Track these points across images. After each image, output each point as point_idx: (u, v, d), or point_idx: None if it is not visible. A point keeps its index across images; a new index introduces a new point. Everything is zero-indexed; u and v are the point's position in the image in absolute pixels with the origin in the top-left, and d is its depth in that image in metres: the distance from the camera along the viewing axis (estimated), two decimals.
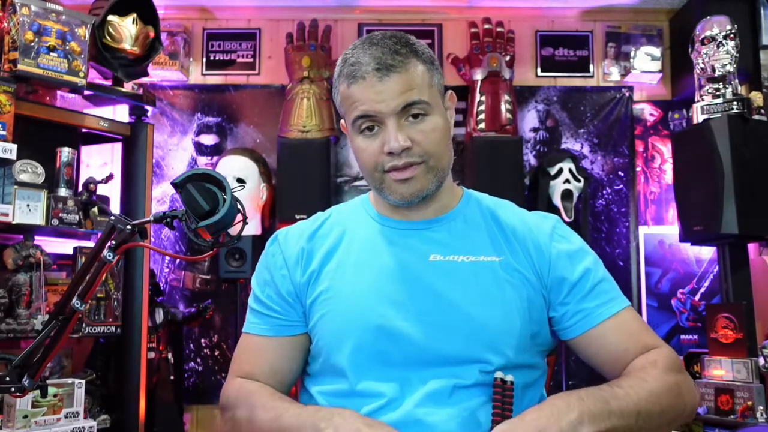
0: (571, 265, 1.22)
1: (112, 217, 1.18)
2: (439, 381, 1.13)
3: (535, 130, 3.87)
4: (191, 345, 3.66)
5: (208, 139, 3.84)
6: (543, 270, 1.21)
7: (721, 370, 2.91)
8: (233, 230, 1.15)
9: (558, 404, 1.01)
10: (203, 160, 3.81)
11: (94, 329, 2.59)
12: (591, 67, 3.93)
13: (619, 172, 3.83)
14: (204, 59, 3.90)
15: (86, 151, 3.08)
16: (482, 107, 3.57)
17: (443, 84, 1.24)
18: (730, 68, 3.12)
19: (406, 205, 1.22)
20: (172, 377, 3.25)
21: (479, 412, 1.12)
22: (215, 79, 3.91)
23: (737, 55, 3.13)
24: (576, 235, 1.30)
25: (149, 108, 2.89)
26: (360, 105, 1.15)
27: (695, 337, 3.69)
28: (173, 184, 1.10)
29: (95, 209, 2.62)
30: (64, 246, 2.71)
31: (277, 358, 1.25)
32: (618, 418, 1.02)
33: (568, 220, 3.42)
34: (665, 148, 3.85)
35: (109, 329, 2.63)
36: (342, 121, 1.25)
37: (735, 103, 3.08)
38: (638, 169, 3.86)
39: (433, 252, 1.21)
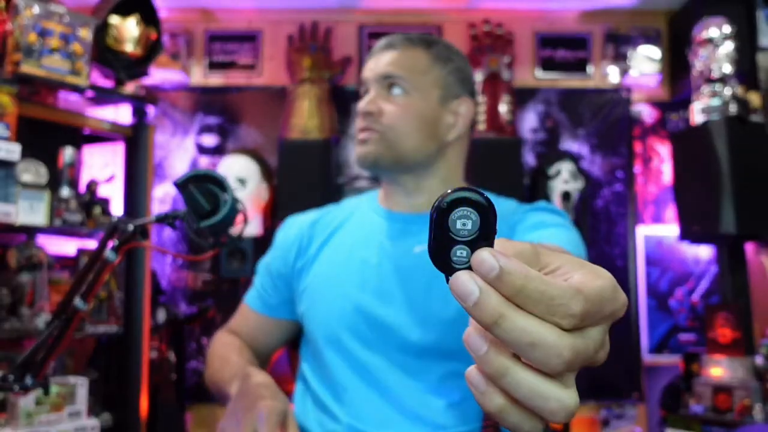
0: (522, 231, 1.18)
1: (114, 218, 1.20)
2: (419, 372, 1.15)
3: (534, 131, 3.88)
4: (193, 344, 3.68)
5: (210, 140, 3.86)
6: None
7: (719, 369, 2.93)
8: (234, 230, 1.17)
9: None
10: (204, 161, 3.82)
11: (97, 329, 2.61)
12: (590, 69, 3.95)
13: (618, 173, 3.85)
14: (205, 60, 3.92)
15: (88, 151, 3.10)
16: (482, 108, 3.58)
17: (454, 87, 1.27)
18: (727, 70, 3.13)
19: (363, 169, 1.27)
20: (173, 377, 3.26)
21: (460, 406, 1.14)
22: (216, 80, 3.93)
23: (735, 56, 3.14)
24: (557, 212, 1.23)
25: (151, 109, 2.91)
26: (362, 74, 1.28)
27: (693, 336, 3.70)
28: (175, 184, 1.11)
29: (97, 209, 2.64)
30: (67, 246, 2.73)
31: (254, 329, 1.38)
32: None
33: None
34: (664, 149, 3.86)
35: (111, 329, 2.65)
36: None
37: (733, 104, 3.10)
38: (637, 169, 3.88)
39: (420, 243, 1.25)
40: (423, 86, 1.23)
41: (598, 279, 0.45)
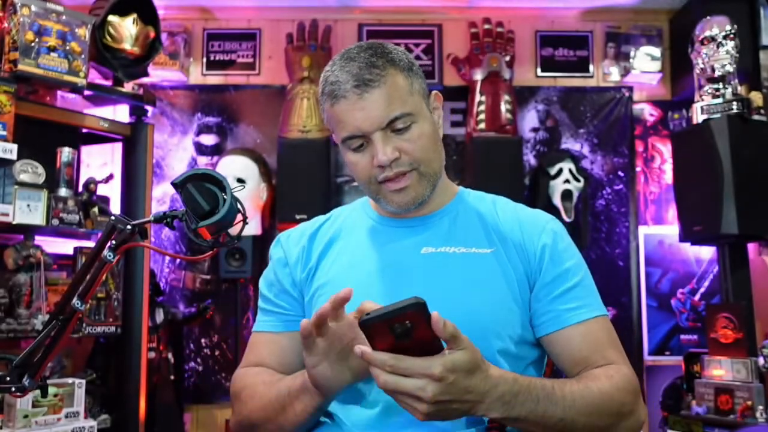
0: (550, 264, 1.22)
1: (113, 217, 1.18)
2: None
3: (534, 130, 3.87)
4: (191, 345, 3.66)
5: (209, 139, 3.84)
6: (531, 263, 1.23)
7: (721, 370, 2.91)
8: (233, 230, 1.16)
9: (505, 385, 1.00)
10: (203, 160, 3.81)
11: (95, 329, 2.59)
12: (591, 68, 3.94)
13: (619, 172, 3.83)
14: (204, 59, 3.91)
15: (86, 151, 3.08)
16: (482, 107, 3.57)
17: (425, 87, 1.24)
18: (729, 68, 3.12)
19: (404, 212, 1.25)
20: (172, 377, 3.25)
21: None
22: (215, 79, 3.91)
23: (737, 55, 3.13)
24: (568, 237, 1.29)
25: (149, 108, 2.90)
26: (346, 125, 1.18)
27: (695, 336, 3.69)
28: (173, 184, 1.10)
29: (95, 209, 2.62)
30: (65, 246, 2.71)
31: (285, 351, 1.28)
32: (536, 419, 1.03)
33: (567, 220, 3.43)
34: (665, 148, 3.85)
35: (109, 329, 2.63)
36: (333, 134, 1.28)
37: (734, 103, 3.08)
38: (638, 169, 3.86)
39: (425, 245, 1.24)
40: (418, 106, 1.20)
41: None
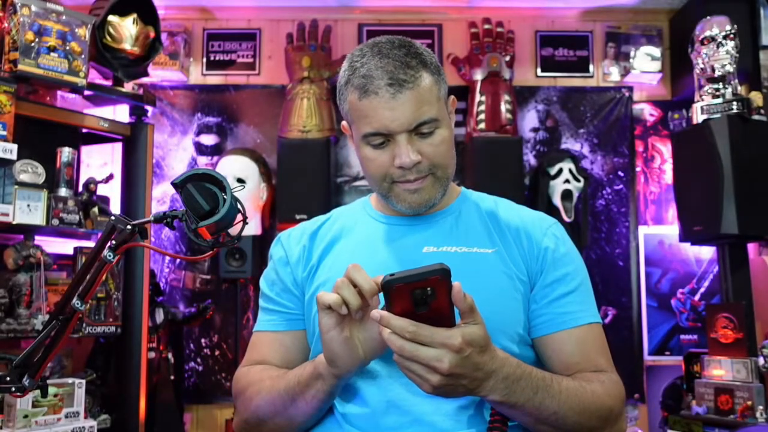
0: (551, 267, 1.23)
1: (113, 217, 1.18)
2: None
3: (535, 130, 3.87)
4: (191, 345, 3.66)
5: (209, 139, 3.84)
6: (533, 265, 1.23)
7: (721, 369, 2.92)
8: (233, 230, 1.16)
9: (509, 368, 1.02)
10: (203, 160, 3.81)
11: (95, 329, 2.59)
12: (591, 68, 3.94)
13: (619, 172, 3.83)
14: (204, 59, 3.91)
15: (86, 151, 3.08)
16: (482, 107, 3.57)
17: (447, 90, 1.25)
18: (729, 68, 3.12)
19: (413, 213, 1.25)
20: (172, 377, 3.25)
21: (469, 408, 1.13)
22: (215, 79, 3.91)
23: (737, 55, 3.13)
24: (570, 241, 1.30)
25: (149, 108, 2.90)
26: (372, 122, 1.16)
27: (695, 336, 3.69)
28: (173, 184, 1.10)
29: (95, 209, 2.62)
30: (65, 246, 2.72)
31: (289, 350, 1.28)
32: (532, 408, 1.04)
33: (568, 220, 3.43)
34: (665, 148, 3.85)
35: (109, 329, 2.63)
36: (344, 122, 1.27)
37: (734, 103, 3.08)
38: (638, 169, 3.86)
39: (427, 244, 1.24)
40: (442, 111, 1.20)
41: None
